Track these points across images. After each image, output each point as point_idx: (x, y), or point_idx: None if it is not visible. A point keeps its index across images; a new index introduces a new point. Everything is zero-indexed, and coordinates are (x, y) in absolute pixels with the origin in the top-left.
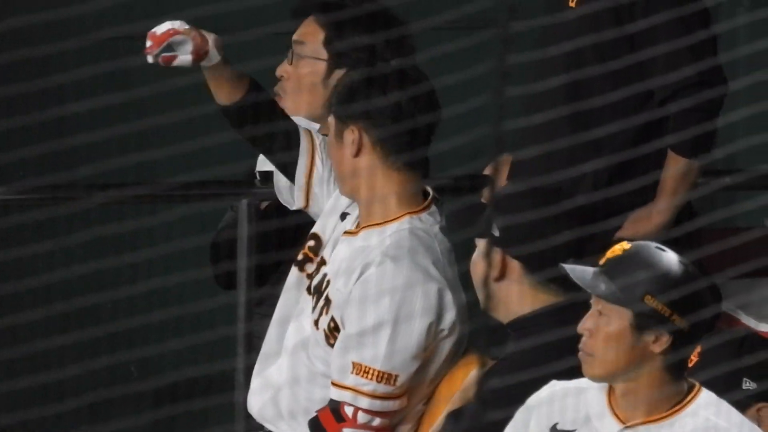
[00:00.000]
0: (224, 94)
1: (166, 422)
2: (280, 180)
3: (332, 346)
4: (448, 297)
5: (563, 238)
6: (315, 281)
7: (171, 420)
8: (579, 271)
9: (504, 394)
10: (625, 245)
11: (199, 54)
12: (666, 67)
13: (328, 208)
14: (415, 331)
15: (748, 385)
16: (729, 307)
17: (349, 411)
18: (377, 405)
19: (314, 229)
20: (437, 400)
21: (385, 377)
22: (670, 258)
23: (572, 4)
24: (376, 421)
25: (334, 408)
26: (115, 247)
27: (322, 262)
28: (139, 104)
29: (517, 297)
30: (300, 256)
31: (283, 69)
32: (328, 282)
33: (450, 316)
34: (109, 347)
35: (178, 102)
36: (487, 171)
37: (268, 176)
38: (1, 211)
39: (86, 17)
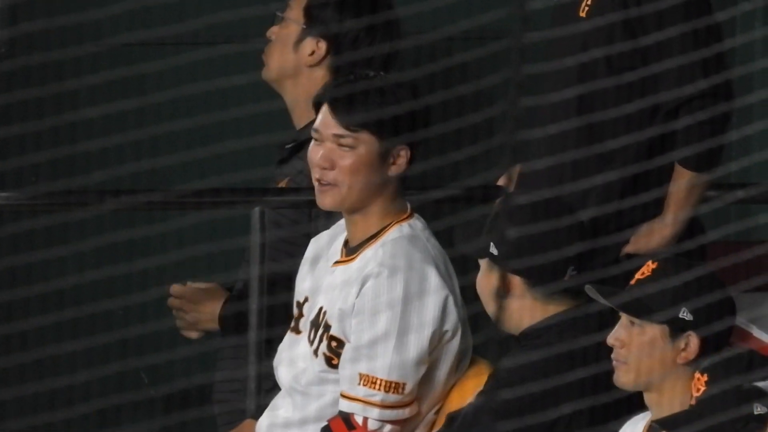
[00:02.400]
0: None
1: (176, 429)
2: None
3: (335, 366)
4: (450, 299)
5: (564, 252)
6: (311, 317)
7: (181, 426)
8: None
9: (516, 405)
10: (651, 264)
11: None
12: (675, 81)
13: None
14: (420, 338)
15: (760, 410)
16: (741, 320)
17: (359, 419)
18: (387, 414)
19: (301, 297)
20: (448, 409)
21: (393, 386)
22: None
23: (583, 14)
24: (387, 428)
25: (345, 417)
26: (127, 254)
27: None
28: (153, 110)
29: (527, 310)
30: (292, 323)
31: (271, 30)
32: (325, 312)
33: (452, 317)
34: (119, 353)
35: (191, 109)
36: (500, 181)
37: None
38: (13, 216)
39: (101, 23)
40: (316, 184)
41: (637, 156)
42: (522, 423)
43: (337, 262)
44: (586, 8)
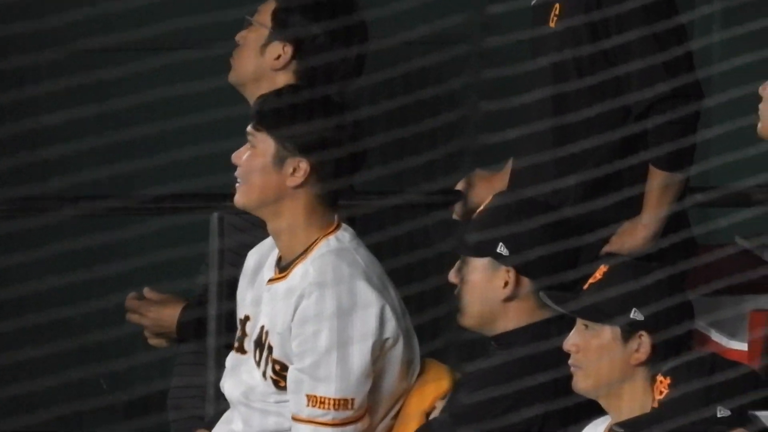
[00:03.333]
0: None
1: None
2: None
3: (283, 388)
4: (386, 308)
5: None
6: (254, 336)
7: None
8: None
9: (481, 408)
10: (603, 268)
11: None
12: (641, 83)
13: (243, 289)
14: (362, 351)
15: (722, 413)
16: (700, 324)
17: None
18: None
19: (242, 315)
20: (407, 414)
21: (341, 403)
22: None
23: (552, 24)
24: None
25: None
26: (87, 260)
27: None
28: (113, 116)
29: (525, 313)
30: (236, 344)
31: (240, 34)
32: (267, 332)
33: (391, 325)
34: (80, 360)
35: (151, 115)
36: (459, 186)
37: None
38: None
39: (61, 29)
40: None
41: (608, 158)
42: (491, 425)
43: (271, 280)
44: (554, 18)
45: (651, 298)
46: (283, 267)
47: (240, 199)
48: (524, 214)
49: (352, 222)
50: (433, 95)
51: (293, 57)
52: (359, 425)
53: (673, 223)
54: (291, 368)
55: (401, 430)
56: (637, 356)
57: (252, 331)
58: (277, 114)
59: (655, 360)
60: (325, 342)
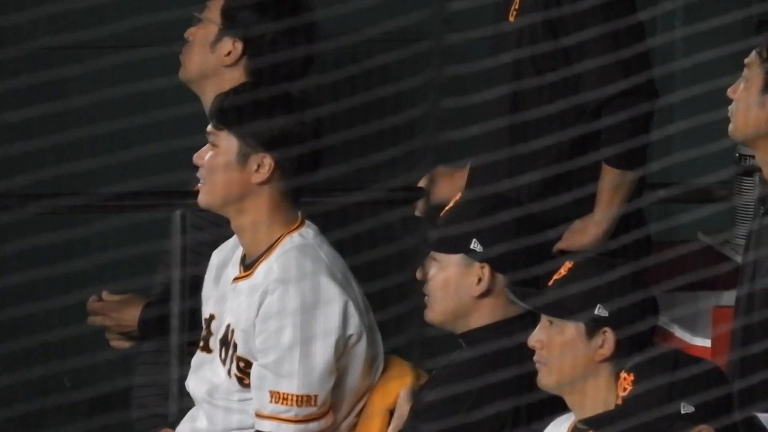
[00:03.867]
0: None
1: None
2: None
3: (247, 386)
4: (349, 304)
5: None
6: (220, 335)
7: (104, 430)
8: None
9: (446, 404)
10: (568, 264)
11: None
12: (596, 81)
13: (208, 288)
14: (325, 348)
15: (686, 409)
16: (664, 320)
17: None
18: (301, 429)
19: (206, 314)
20: (370, 412)
21: (305, 400)
22: (613, 268)
23: (511, 19)
24: None
25: None
26: (49, 257)
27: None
28: (74, 114)
29: (495, 310)
30: (201, 342)
31: (189, 31)
32: (233, 330)
33: (354, 321)
34: (42, 357)
35: (112, 112)
36: (422, 183)
37: None
38: None
39: (21, 26)
40: None
41: (562, 156)
42: (455, 422)
43: (236, 279)
44: (514, 12)
45: (615, 295)
46: (248, 265)
47: (204, 199)
48: (496, 209)
49: (314, 219)
50: (395, 92)
51: (243, 53)
52: (323, 422)
53: (628, 221)
54: (254, 365)
55: (365, 427)
56: (601, 352)
57: (217, 329)
58: (238, 111)
59: (619, 356)
60: (288, 338)
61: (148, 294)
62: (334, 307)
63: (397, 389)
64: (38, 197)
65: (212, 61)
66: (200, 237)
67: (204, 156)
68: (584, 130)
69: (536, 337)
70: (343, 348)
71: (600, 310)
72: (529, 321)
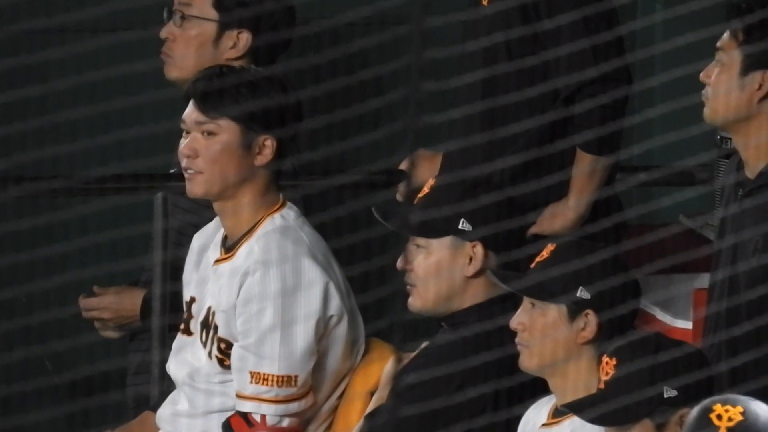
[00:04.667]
0: None
1: (80, 415)
2: None
3: (227, 367)
4: (330, 285)
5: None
6: (201, 318)
7: (85, 413)
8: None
9: (428, 386)
10: (551, 247)
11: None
12: (569, 67)
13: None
14: (306, 329)
15: (669, 393)
16: (645, 303)
17: (257, 417)
18: (282, 409)
19: (187, 297)
20: (351, 395)
21: (285, 380)
22: (595, 251)
23: (485, 3)
24: (286, 422)
25: (243, 415)
26: (30, 241)
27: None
28: (55, 97)
29: (482, 291)
30: (182, 325)
31: (169, 31)
32: (214, 313)
33: (335, 302)
34: (23, 341)
35: (93, 96)
36: (403, 166)
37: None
38: None
39: (1, 10)
40: (185, 173)
41: (537, 141)
42: (436, 405)
43: (217, 261)
44: None
45: (597, 277)
46: (229, 247)
47: (201, 188)
48: (477, 190)
49: (295, 202)
50: (375, 75)
51: (251, 43)
52: (303, 402)
53: (604, 206)
54: (235, 346)
55: (346, 410)
56: (583, 335)
57: (198, 312)
58: (235, 96)
59: (601, 339)
60: (269, 319)
61: (137, 278)
62: (315, 288)
63: (379, 372)
64: (19, 180)
65: (216, 57)
66: (185, 218)
67: (195, 147)
68: (558, 116)
69: (518, 320)
70: (323, 329)
71: (582, 293)
72: (511, 304)
